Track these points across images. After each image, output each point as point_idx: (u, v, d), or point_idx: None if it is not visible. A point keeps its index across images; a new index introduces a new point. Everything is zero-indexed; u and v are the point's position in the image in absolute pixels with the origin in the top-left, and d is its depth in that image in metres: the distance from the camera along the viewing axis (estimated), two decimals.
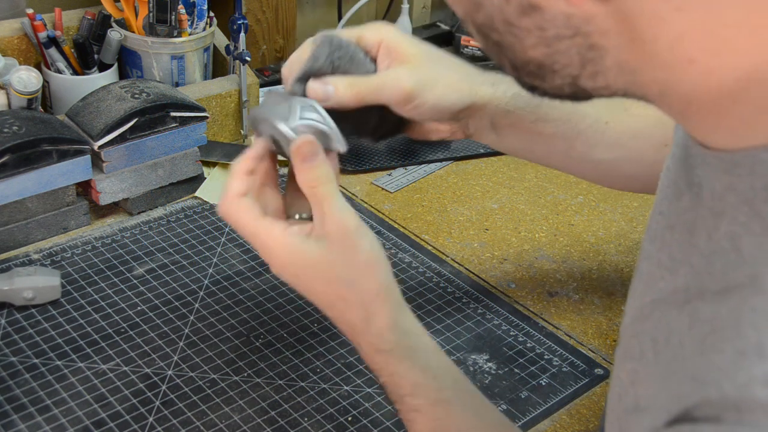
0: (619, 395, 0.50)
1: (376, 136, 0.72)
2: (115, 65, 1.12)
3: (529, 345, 0.83)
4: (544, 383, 0.79)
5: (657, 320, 0.47)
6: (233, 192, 0.61)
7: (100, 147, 0.92)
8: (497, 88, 0.73)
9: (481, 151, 1.17)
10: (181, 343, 0.79)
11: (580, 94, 0.43)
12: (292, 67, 0.68)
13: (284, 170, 0.86)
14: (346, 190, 1.07)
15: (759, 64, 0.38)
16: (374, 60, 0.69)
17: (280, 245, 0.59)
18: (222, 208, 0.62)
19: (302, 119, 0.62)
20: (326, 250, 0.59)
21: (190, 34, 1.12)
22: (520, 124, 0.74)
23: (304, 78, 0.66)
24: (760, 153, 0.40)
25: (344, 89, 0.65)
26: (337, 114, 0.64)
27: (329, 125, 0.63)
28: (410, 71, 0.68)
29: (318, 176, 0.59)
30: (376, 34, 0.69)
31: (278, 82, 1.22)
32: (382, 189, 1.08)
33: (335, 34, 0.68)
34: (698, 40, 0.38)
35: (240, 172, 0.62)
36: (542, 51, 0.41)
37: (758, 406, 0.36)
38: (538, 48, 0.41)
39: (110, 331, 0.80)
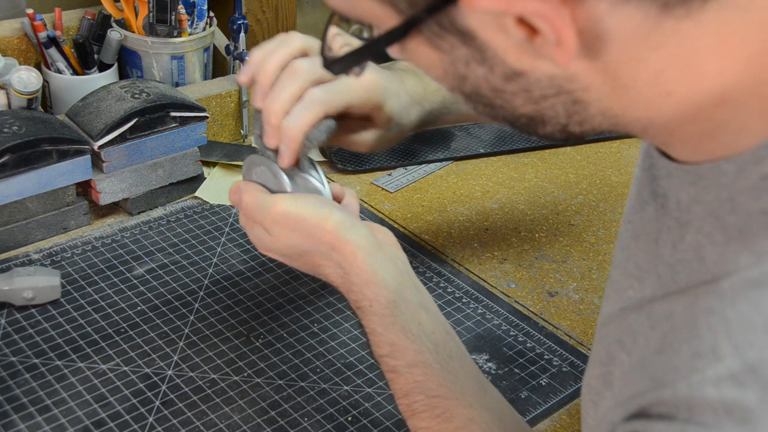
0: (594, 402, 0.51)
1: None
2: (115, 65, 1.12)
3: (529, 345, 0.83)
4: (544, 383, 0.79)
5: (618, 324, 0.49)
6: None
7: (100, 147, 0.92)
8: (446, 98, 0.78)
9: (481, 151, 1.17)
10: (181, 343, 0.80)
11: (571, 138, 0.46)
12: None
13: None
14: None
15: (730, 84, 0.39)
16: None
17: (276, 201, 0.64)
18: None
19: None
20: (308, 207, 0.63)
21: (190, 34, 1.12)
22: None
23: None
24: (723, 165, 0.42)
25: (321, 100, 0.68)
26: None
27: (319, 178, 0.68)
28: (373, 73, 0.72)
29: None
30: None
31: None
32: (382, 189, 1.08)
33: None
34: (674, 73, 0.39)
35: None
36: (531, 108, 0.43)
37: (708, 405, 0.37)
38: (527, 106, 0.43)
39: (110, 331, 0.80)
